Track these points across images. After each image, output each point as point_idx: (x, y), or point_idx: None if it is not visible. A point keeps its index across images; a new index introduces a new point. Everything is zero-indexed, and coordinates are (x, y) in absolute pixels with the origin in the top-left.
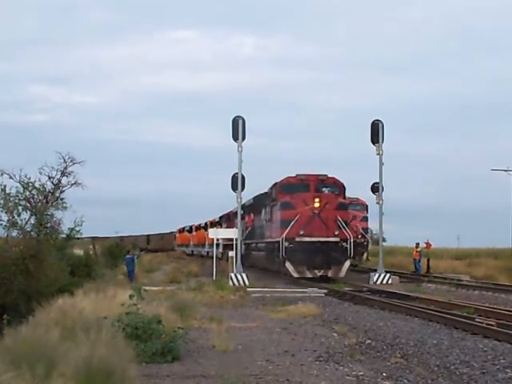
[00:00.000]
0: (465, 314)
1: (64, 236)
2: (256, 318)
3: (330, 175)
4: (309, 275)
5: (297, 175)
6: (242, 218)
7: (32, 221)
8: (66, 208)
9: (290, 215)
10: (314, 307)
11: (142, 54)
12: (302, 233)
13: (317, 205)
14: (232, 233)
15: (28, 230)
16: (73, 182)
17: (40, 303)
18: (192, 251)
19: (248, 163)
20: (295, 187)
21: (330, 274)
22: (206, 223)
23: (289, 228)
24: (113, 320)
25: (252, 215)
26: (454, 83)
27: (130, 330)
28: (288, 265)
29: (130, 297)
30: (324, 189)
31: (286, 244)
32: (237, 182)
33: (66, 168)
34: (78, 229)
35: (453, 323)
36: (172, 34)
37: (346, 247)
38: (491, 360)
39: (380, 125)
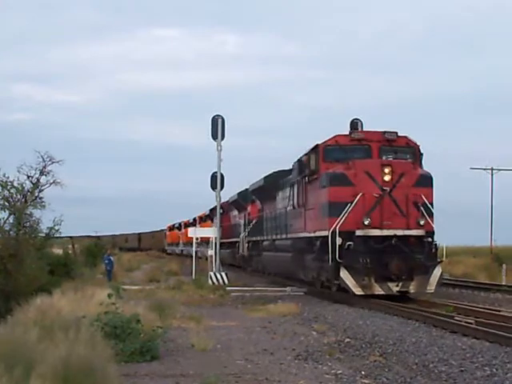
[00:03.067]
0: (444, 313)
1: (43, 235)
2: (235, 317)
3: (400, 133)
4: (379, 291)
5: (350, 133)
6: (243, 207)
7: (11, 220)
8: (44, 207)
9: (345, 195)
10: (294, 306)
11: (125, 52)
12: (367, 222)
13: (387, 178)
14: (211, 232)
15: (7, 229)
16: (52, 181)
17: (19, 303)
18: (182, 251)
19: (231, 161)
20: (348, 151)
21: (412, 288)
22: (194, 218)
23: (343, 216)
24: (91, 319)
25: (259, 203)
26: (432, 82)
27: (109, 330)
28: (344, 275)
29: (109, 296)
30: (392, 154)
31: (340, 241)
32: (216, 181)
33: (44, 167)
34: (57, 228)
35: (432, 321)
36: (155, 32)
37: (436, 244)
38: (469, 358)
39: (359, 123)
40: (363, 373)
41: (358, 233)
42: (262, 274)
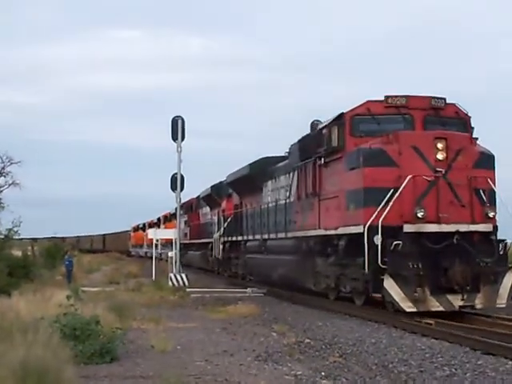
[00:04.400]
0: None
1: (1, 237)
2: (195, 318)
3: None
4: (437, 306)
5: (387, 98)
6: (216, 203)
7: None
8: (3, 208)
9: (386, 178)
10: (254, 307)
11: (87, 53)
12: (421, 215)
13: (441, 156)
14: (171, 233)
15: None
16: (10, 182)
17: None
18: (146, 253)
19: (193, 163)
20: (384, 122)
21: (478, 302)
22: (159, 218)
23: (386, 206)
24: (50, 321)
25: (237, 197)
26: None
27: (68, 331)
28: (390, 285)
29: (68, 297)
30: (438, 127)
31: (380, 240)
32: (176, 182)
33: (3, 168)
34: (16, 229)
35: (391, 322)
36: (117, 33)
37: (506, 243)
38: (429, 358)
39: (319, 124)
40: (323, 373)
41: (408, 228)
42: (247, 281)
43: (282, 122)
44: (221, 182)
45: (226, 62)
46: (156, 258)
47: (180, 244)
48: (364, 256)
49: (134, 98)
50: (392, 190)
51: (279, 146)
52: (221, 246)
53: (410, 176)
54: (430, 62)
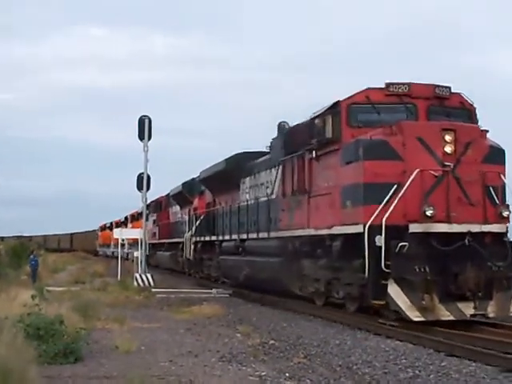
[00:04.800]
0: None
1: None
2: (160, 318)
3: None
4: (447, 315)
5: (388, 85)
6: (187, 201)
7: None
8: None
9: (389, 173)
10: (219, 308)
11: (57, 50)
12: (430, 213)
13: (449, 149)
14: (137, 233)
15: None
16: None
17: None
18: (113, 252)
19: (160, 162)
20: (384, 112)
21: (491, 310)
22: (126, 217)
23: (389, 203)
24: (14, 321)
25: (209, 195)
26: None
27: (32, 331)
28: (395, 291)
29: (33, 297)
30: (443, 118)
31: (380, 240)
32: (142, 182)
33: None
34: None
35: (356, 324)
36: (87, 30)
37: None
38: (393, 360)
39: (286, 126)
40: (287, 374)
41: (414, 228)
42: (219, 283)
43: (249, 120)
44: (193, 179)
45: (193, 60)
46: (122, 257)
47: (148, 244)
48: (363, 259)
49: (103, 95)
50: (395, 186)
51: (250, 145)
52: (192, 247)
53: (417, 170)
54: (430, 62)
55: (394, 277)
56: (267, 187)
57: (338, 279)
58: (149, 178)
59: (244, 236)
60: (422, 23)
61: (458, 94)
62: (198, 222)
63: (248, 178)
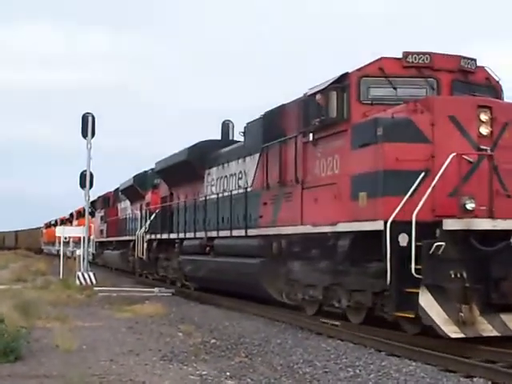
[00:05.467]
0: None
1: None
2: (102, 317)
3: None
4: (489, 330)
5: (406, 55)
6: (139, 196)
7: None
8: None
9: (416, 158)
10: (161, 307)
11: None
12: (471, 207)
13: (485, 130)
14: (80, 231)
15: None
16: None
17: None
18: (58, 251)
19: (103, 160)
20: (402, 86)
21: None
22: (71, 214)
23: (418, 194)
24: None
25: (165, 188)
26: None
27: None
28: (428, 302)
29: None
30: (468, 94)
31: (406, 240)
32: (85, 180)
33: None
34: None
35: (297, 323)
36: (24, 27)
37: None
38: (334, 359)
39: (230, 125)
40: (228, 373)
41: (450, 225)
42: (180, 287)
43: (191, 119)
44: (145, 172)
45: (135, 59)
46: (66, 255)
47: (95, 242)
48: (382, 261)
49: (46, 93)
50: (423, 174)
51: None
52: (145, 245)
53: (453, 154)
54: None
55: (427, 284)
56: (240, 178)
57: (342, 285)
58: (92, 175)
59: (213, 234)
60: None
61: (483, 68)
62: (151, 218)
63: (214, 169)
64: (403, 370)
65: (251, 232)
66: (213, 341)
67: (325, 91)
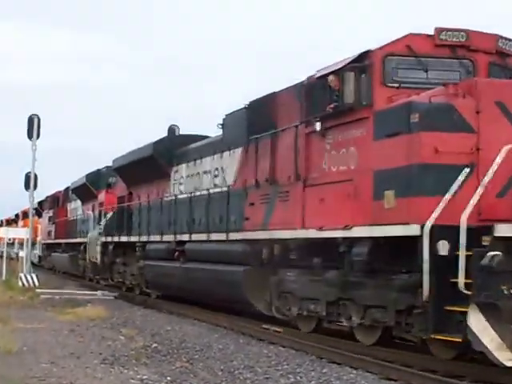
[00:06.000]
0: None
1: None
2: (44, 319)
3: None
4: None
5: (439, 32)
6: (91, 195)
7: None
8: None
9: (457, 150)
10: (103, 310)
11: None
12: None
13: None
14: (23, 232)
15: None
16: None
17: None
18: (2, 252)
19: (52, 162)
20: (433, 68)
21: None
22: (17, 214)
23: (465, 193)
24: None
25: (124, 187)
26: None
27: None
28: (480, 324)
29: None
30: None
31: (447, 248)
32: (29, 181)
33: None
34: None
35: (239, 329)
36: None
37: None
38: (275, 365)
39: (177, 130)
40: (169, 378)
41: (504, 231)
42: (145, 297)
43: (147, 122)
44: (99, 170)
45: (95, 60)
46: (9, 257)
47: (42, 244)
48: (413, 272)
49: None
50: (467, 169)
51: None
52: (99, 248)
53: (507, 147)
54: None
55: (478, 302)
56: (215, 176)
57: (353, 300)
58: (36, 177)
59: (184, 237)
60: None
61: None
62: (106, 220)
63: (183, 166)
64: (344, 377)
65: (233, 236)
66: (154, 345)
67: (340, 72)
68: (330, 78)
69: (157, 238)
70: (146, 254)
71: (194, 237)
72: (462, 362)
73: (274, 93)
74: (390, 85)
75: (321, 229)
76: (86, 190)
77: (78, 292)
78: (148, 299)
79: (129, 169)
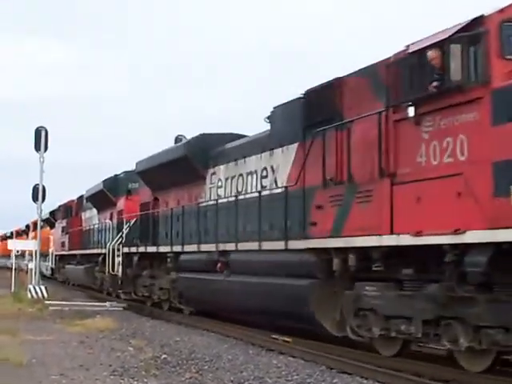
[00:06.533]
0: (262, 330)
1: None
2: (53, 331)
3: None
4: None
5: None
6: (109, 204)
7: None
8: None
9: None
10: (112, 321)
11: None
12: None
13: None
14: (32, 245)
15: None
16: None
17: None
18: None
19: (54, 172)
20: None
21: None
22: (27, 225)
23: None
24: None
25: (148, 192)
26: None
27: None
28: None
29: None
30: None
31: None
32: (37, 193)
33: None
34: None
35: (249, 339)
36: None
37: None
38: (285, 376)
39: (183, 139)
40: None
41: None
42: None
43: (143, 132)
44: (116, 176)
45: (83, 68)
46: (19, 269)
47: (55, 256)
48: None
49: None
50: None
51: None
52: (120, 260)
53: None
54: None
55: None
56: (264, 177)
57: (461, 319)
58: (44, 189)
59: (228, 247)
60: None
61: None
62: (126, 229)
63: (221, 167)
64: None
65: (295, 244)
66: (164, 356)
67: (443, 44)
68: (430, 52)
69: (193, 247)
70: (179, 266)
71: (241, 246)
72: None
73: (339, 78)
74: (509, 57)
75: (418, 234)
76: (102, 198)
77: (86, 303)
78: (155, 310)
79: (155, 172)
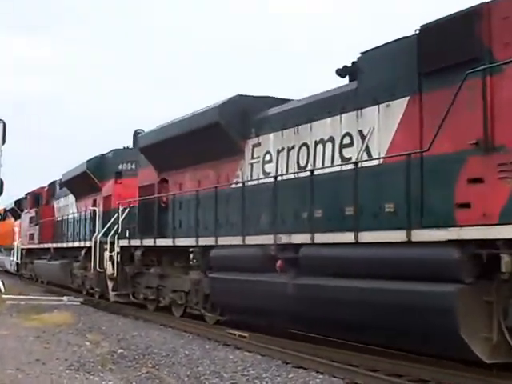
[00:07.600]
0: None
1: None
2: (9, 325)
3: None
4: None
5: None
6: (95, 188)
7: None
8: None
9: None
10: (69, 316)
11: None
12: None
13: None
14: None
15: None
16: None
17: None
18: None
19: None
20: None
21: None
22: None
23: None
24: None
25: (153, 173)
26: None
27: None
28: None
29: None
30: None
31: None
32: None
33: None
34: None
35: (205, 334)
36: None
37: None
38: (241, 371)
39: (142, 133)
40: None
41: None
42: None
43: (107, 128)
44: (103, 155)
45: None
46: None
47: (21, 250)
48: None
49: None
50: None
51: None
52: (115, 255)
53: None
54: None
55: None
56: (345, 145)
57: None
58: (2, 182)
59: (297, 239)
60: None
61: None
62: (123, 217)
63: (271, 136)
64: (310, 382)
65: (429, 235)
66: (120, 351)
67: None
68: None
69: (234, 240)
70: (208, 263)
71: (320, 238)
72: None
73: (484, 3)
74: None
75: None
76: (84, 181)
77: (44, 298)
78: (111, 304)
79: (167, 147)
